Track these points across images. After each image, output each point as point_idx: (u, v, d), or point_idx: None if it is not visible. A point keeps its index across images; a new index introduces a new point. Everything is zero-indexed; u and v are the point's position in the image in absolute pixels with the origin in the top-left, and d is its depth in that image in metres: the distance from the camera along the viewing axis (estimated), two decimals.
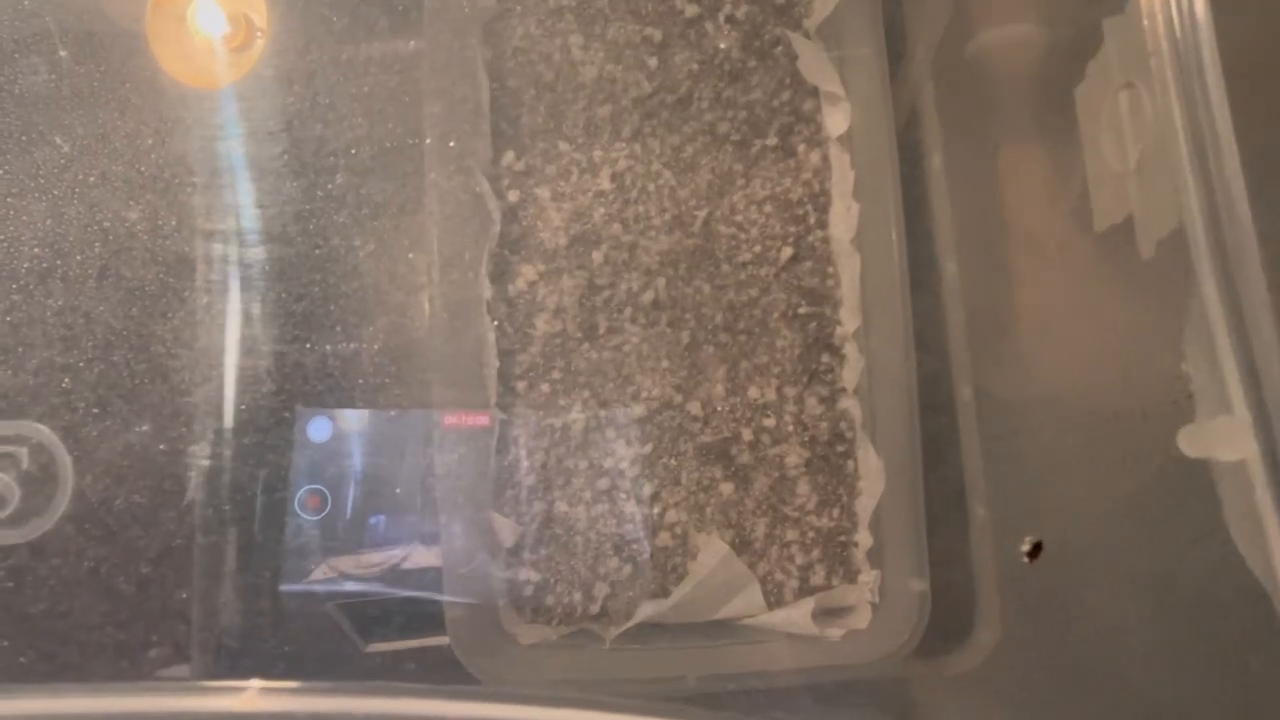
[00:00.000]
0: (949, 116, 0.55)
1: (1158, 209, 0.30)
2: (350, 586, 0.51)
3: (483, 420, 0.52)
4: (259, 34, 0.57)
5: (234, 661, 0.51)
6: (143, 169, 0.50)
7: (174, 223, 0.50)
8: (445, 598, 0.50)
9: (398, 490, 0.52)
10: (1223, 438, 0.27)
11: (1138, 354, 0.35)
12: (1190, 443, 0.30)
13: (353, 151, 0.55)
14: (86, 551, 0.49)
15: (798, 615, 0.51)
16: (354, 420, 0.53)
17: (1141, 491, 0.38)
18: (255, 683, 0.37)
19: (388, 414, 0.53)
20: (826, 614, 0.52)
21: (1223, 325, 0.26)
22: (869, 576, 0.52)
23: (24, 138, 0.50)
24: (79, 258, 0.48)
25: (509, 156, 0.55)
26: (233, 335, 0.51)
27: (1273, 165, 0.27)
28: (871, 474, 0.53)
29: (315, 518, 0.51)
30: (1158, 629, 0.37)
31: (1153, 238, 0.31)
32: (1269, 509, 0.25)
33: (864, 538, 0.53)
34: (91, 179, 0.48)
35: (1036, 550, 0.43)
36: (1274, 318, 0.25)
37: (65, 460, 0.48)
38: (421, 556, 0.52)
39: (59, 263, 0.48)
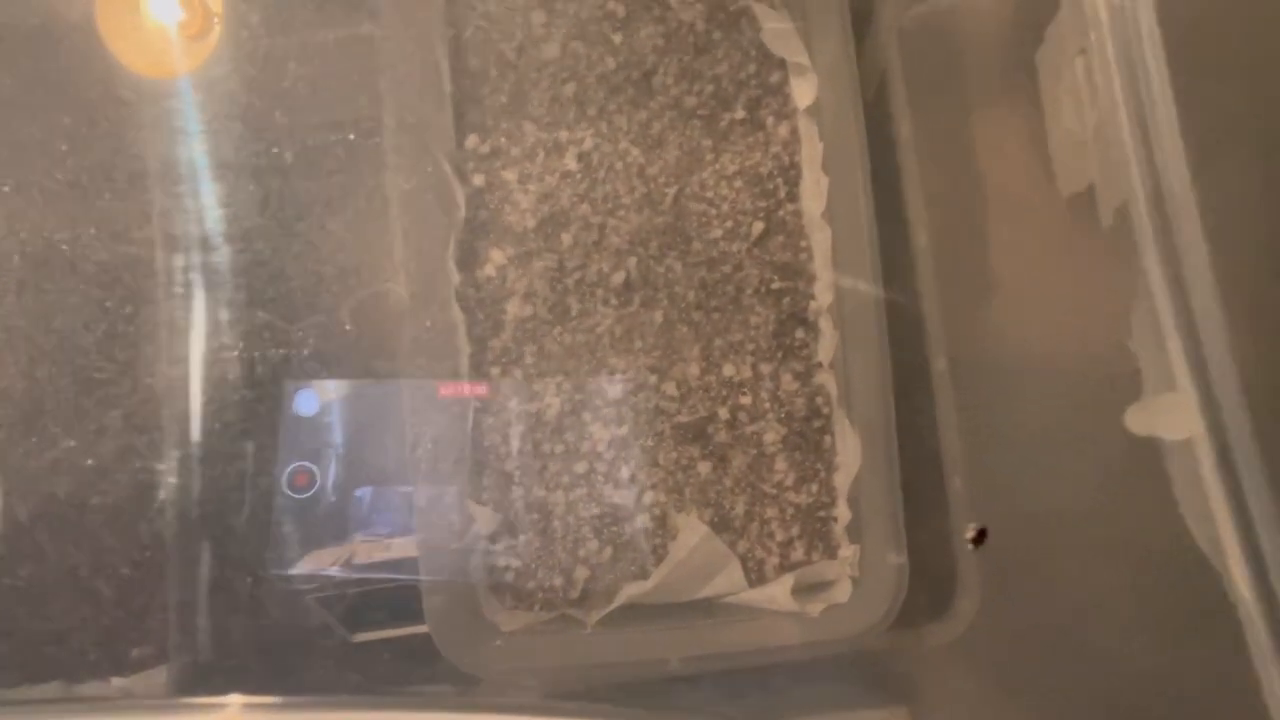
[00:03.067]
0: (916, 84, 0.54)
1: (1113, 177, 0.30)
2: (335, 574, 0.51)
3: (480, 390, 0.51)
4: (215, 20, 0.56)
5: (216, 661, 0.50)
6: (78, 168, 0.49)
7: (125, 222, 0.49)
8: (425, 578, 0.50)
9: (385, 466, 0.51)
10: (1168, 415, 0.27)
11: (1104, 321, 0.35)
12: (1137, 420, 0.29)
13: (312, 137, 0.54)
14: (20, 571, 0.49)
15: (778, 592, 0.51)
16: (342, 393, 0.52)
17: (1116, 458, 0.37)
18: (236, 698, 0.37)
19: (378, 385, 0.52)
20: (807, 590, 0.52)
21: (1166, 299, 0.26)
22: (848, 551, 0.52)
23: None
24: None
25: (472, 139, 0.54)
26: (197, 332, 0.50)
27: (1216, 137, 0.26)
28: (848, 448, 0.53)
29: (303, 496, 0.50)
30: (1134, 596, 0.36)
31: (1111, 205, 0.31)
32: (1215, 487, 0.25)
33: (842, 512, 0.53)
34: (6, 189, 0.47)
35: (981, 536, 0.43)
36: (1217, 292, 0.25)
37: None
38: (407, 543, 0.52)
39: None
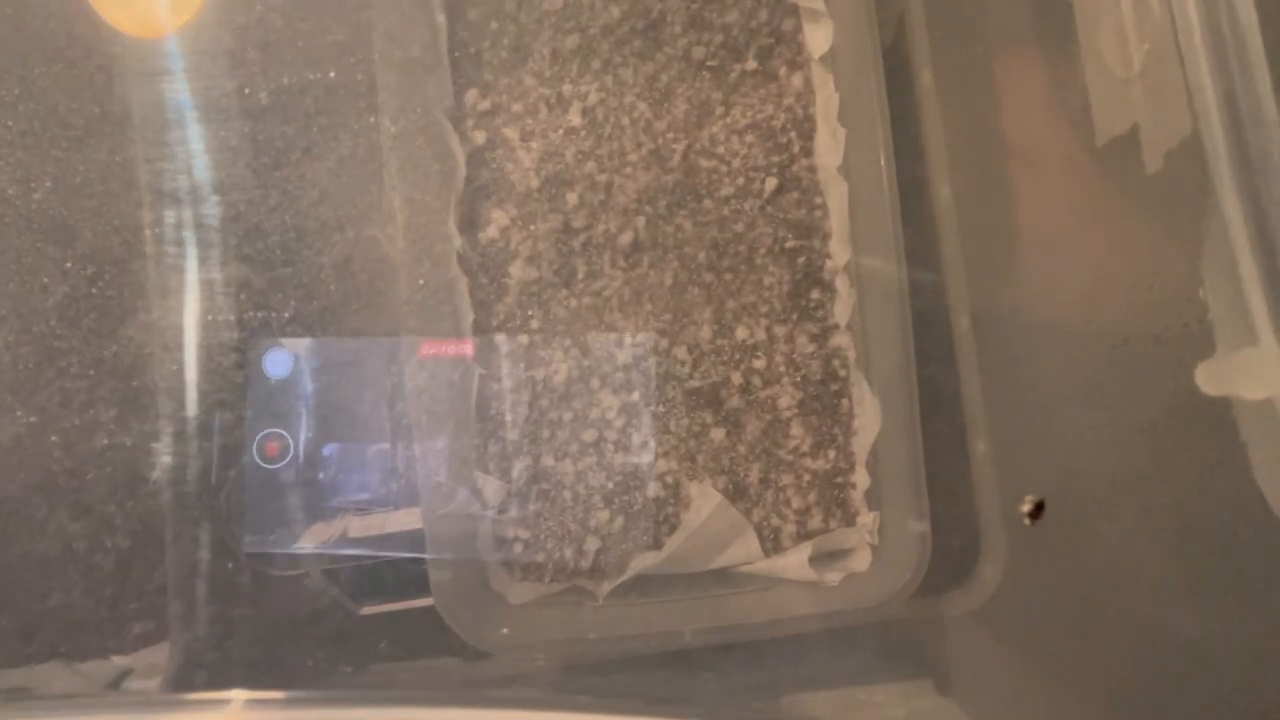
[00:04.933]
0: (938, 28, 0.52)
1: (1166, 116, 0.27)
2: (330, 550, 0.49)
3: (465, 349, 0.49)
4: None
5: (217, 638, 0.49)
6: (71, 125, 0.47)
7: (121, 181, 0.47)
8: (430, 555, 0.48)
9: (367, 433, 0.48)
10: (1247, 373, 0.24)
11: (1147, 276, 0.33)
12: (1210, 379, 0.27)
13: (305, 95, 0.51)
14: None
15: (795, 561, 0.50)
16: (317, 352, 0.48)
17: (1153, 421, 0.36)
18: (238, 693, 0.35)
19: (357, 344, 0.49)
20: (825, 558, 0.51)
21: (1246, 245, 0.23)
22: (867, 518, 0.51)
23: None
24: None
25: (472, 95, 0.52)
26: (191, 298, 0.48)
27: None
28: (867, 412, 0.51)
29: (275, 466, 0.48)
30: (1171, 565, 0.35)
31: (1160, 149, 0.28)
32: None
33: (861, 478, 0.51)
34: None
35: (1039, 510, 0.41)
36: None
37: None
38: (408, 516, 0.50)
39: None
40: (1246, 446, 0.25)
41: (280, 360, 0.48)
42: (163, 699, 0.40)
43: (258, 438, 0.48)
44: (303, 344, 0.49)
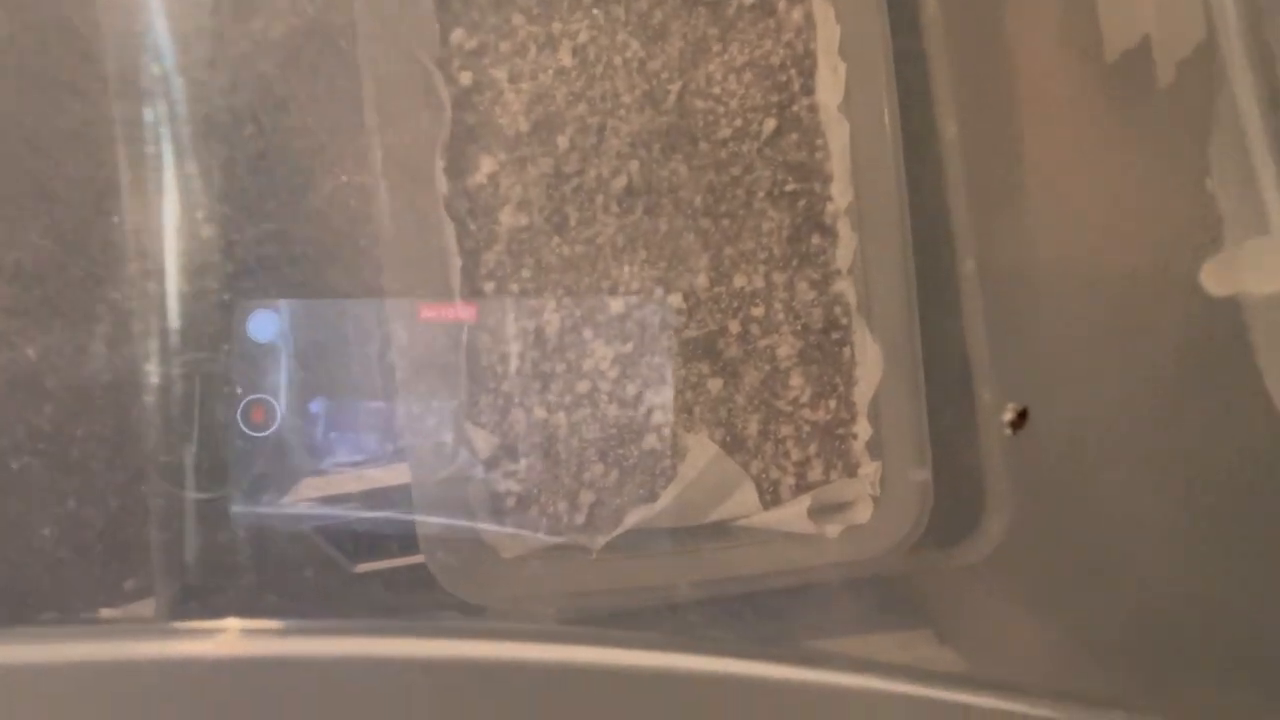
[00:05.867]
0: None
1: (1179, 20, 0.25)
2: (320, 510, 0.48)
3: (473, 307, 0.47)
4: None
5: (206, 593, 0.48)
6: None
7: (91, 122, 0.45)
8: (419, 508, 0.47)
9: (358, 394, 0.47)
10: (1257, 264, 0.23)
11: (1158, 200, 0.31)
12: (1217, 277, 0.25)
13: (285, 36, 0.50)
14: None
15: (794, 513, 0.48)
16: (303, 314, 0.47)
17: (1165, 362, 0.34)
18: (233, 622, 0.34)
19: (345, 304, 0.47)
20: (825, 510, 0.49)
21: (1259, 126, 0.21)
22: (869, 469, 0.49)
23: None
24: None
25: (458, 34, 0.50)
26: (169, 236, 0.47)
27: None
28: (869, 360, 0.49)
29: (262, 433, 0.47)
30: (1184, 512, 0.33)
31: (1172, 58, 0.26)
32: None
33: (863, 428, 0.50)
34: None
35: (1021, 418, 0.39)
36: None
37: None
38: (399, 472, 0.49)
39: None
40: (1255, 351, 0.23)
41: (266, 322, 0.47)
42: (157, 627, 0.39)
43: (243, 404, 0.46)
44: (290, 306, 0.47)
